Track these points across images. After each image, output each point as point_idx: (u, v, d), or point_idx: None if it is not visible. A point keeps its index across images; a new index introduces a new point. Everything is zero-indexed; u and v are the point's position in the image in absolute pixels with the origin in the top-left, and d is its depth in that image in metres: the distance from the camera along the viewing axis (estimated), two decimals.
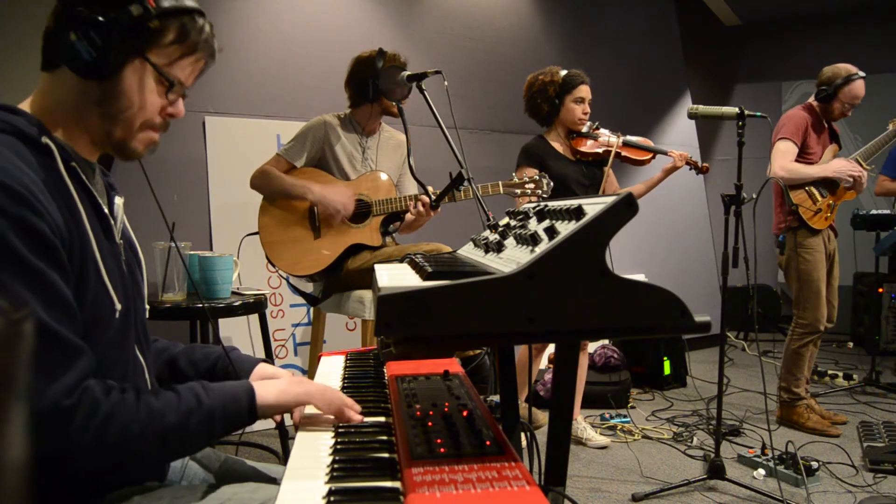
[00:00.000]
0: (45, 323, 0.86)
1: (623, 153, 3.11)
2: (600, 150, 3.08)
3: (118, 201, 1.15)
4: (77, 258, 0.95)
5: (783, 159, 3.29)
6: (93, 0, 0.97)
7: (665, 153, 3.14)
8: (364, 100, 2.74)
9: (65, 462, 0.89)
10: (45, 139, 0.97)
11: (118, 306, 1.01)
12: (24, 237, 0.86)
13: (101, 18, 0.97)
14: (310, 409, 1.12)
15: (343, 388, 1.26)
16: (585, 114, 3.07)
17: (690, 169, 3.14)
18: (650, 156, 3.15)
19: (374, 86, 2.68)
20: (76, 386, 0.88)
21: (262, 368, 1.27)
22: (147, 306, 1.23)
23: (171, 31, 1.02)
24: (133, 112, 1.03)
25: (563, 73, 3.06)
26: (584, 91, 3.05)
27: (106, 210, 1.06)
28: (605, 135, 3.12)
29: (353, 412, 1.08)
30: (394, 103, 2.64)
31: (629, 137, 3.15)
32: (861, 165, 3.40)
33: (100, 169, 1.16)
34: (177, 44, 1.03)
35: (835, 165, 3.31)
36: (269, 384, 1.09)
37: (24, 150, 0.94)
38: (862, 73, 3.31)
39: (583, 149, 3.08)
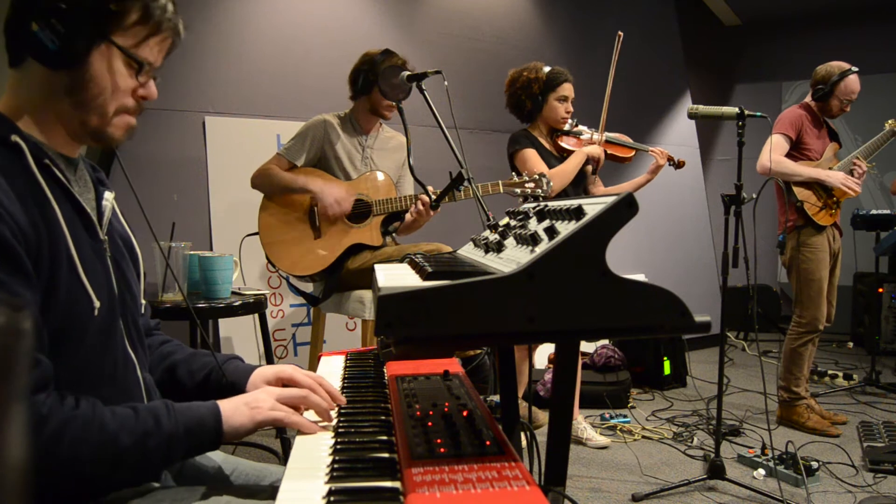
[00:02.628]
0: None
1: (608, 151, 3.13)
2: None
3: (108, 196, 1.13)
4: (46, 259, 0.93)
5: (773, 152, 3.29)
6: None
7: (646, 151, 3.17)
8: (357, 94, 2.76)
9: None
10: (14, 137, 0.96)
11: (97, 304, 1.00)
12: None
13: (62, 5, 0.95)
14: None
15: (343, 389, 1.25)
16: (568, 112, 3.06)
17: (670, 164, 3.18)
18: (632, 153, 3.20)
19: (364, 79, 2.70)
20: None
21: (258, 375, 1.23)
22: (143, 301, 1.20)
23: (134, 11, 1.00)
24: (105, 98, 1.02)
25: (547, 69, 3.04)
26: (568, 89, 3.03)
27: (87, 206, 1.04)
28: (586, 132, 3.13)
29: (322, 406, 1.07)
30: (391, 102, 2.66)
31: (610, 134, 3.17)
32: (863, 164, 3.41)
33: (88, 164, 1.15)
34: (141, 24, 1.01)
35: (832, 173, 3.31)
36: (239, 406, 1.05)
37: None
38: (855, 68, 3.32)
39: (567, 146, 3.08)
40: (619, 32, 3.07)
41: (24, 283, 0.89)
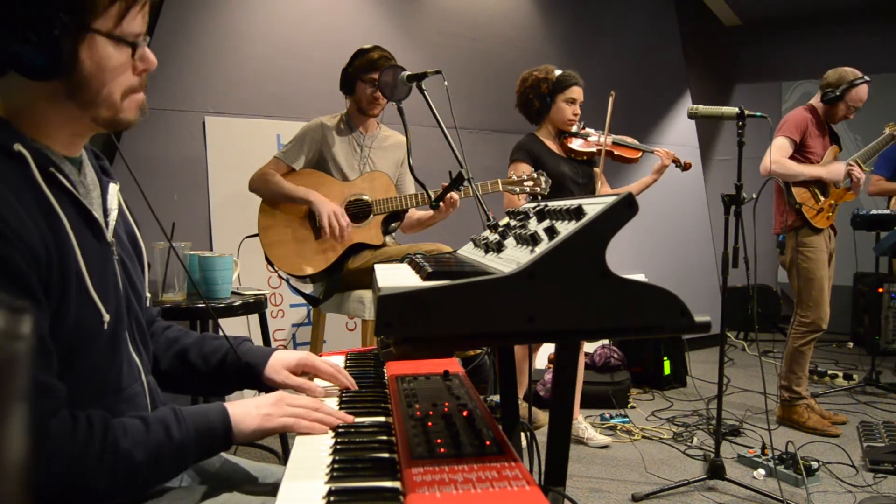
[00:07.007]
0: None
1: (615, 152, 3.16)
2: (593, 150, 3.12)
3: (112, 188, 1.09)
4: (57, 276, 0.90)
5: (776, 154, 3.30)
6: (15, 2, 0.87)
7: (652, 152, 3.21)
8: (345, 93, 2.80)
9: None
10: (17, 146, 0.90)
11: (106, 317, 0.97)
12: None
13: (34, 17, 0.87)
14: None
15: (343, 390, 1.26)
16: (576, 115, 3.11)
17: (676, 166, 3.20)
18: (639, 154, 3.23)
19: (346, 77, 2.75)
20: (36, 428, 0.84)
21: (278, 359, 1.25)
22: (148, 295, 1.18)
23: None
24: (109, 88, 0.96)
25: (558, 72, 3.09)
26: (577, 92, 3.08)
27: (94, 210, 1.01)
28: (593, 134, 3.16)
29: (331, 419, 1.06)
30: (375, 99, 2.68)
31: (617, 136, 3.19)
32: (860, 167, 3.42)
33: (92, 152, 1.10)
34: (116, 1, 0.93)
35: (833, 167, 3.33)
36: (249, 410, 1.04)
37: None
38: (867, 78, 3.34)
39: (575, 147, 3.11)
40: (612, 92, 3.14)
41: (34, 306, 0.86)
